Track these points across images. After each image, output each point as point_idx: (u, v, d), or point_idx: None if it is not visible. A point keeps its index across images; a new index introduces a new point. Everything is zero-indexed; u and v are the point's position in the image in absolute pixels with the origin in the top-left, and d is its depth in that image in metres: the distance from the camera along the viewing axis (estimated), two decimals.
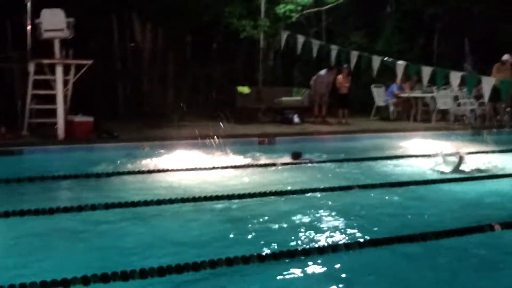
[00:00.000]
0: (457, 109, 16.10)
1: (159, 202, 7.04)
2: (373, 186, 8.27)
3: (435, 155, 10.20)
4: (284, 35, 15.96)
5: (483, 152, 11.79)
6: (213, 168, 9.54)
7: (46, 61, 11.68)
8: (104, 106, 15.08)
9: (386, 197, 7.81)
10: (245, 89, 15.84)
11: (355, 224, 6.43)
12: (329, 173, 9.45)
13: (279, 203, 7.34)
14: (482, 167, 10.00)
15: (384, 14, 20.28)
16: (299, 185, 8.28)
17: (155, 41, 16.49)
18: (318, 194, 7.82)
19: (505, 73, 14.56)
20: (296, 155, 10.20)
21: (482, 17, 19.58)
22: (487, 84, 12.24)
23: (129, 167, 9.47)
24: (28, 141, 11.11)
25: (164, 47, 16.61)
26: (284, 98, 15.93)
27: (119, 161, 9.83)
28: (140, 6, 15.57)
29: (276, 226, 6.37)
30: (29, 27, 12.16)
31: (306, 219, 6.62)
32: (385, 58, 14.58)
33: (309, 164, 10.05)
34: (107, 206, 6.83)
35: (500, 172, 9.55)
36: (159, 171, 9.26)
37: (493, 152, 11.85)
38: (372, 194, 7.93)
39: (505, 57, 15.38)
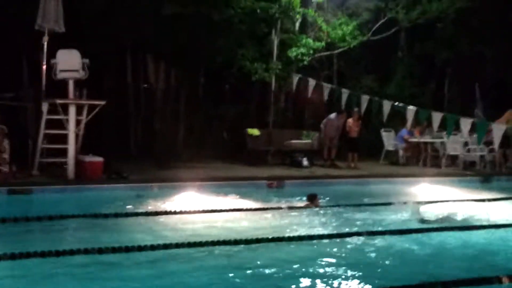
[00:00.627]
0: (467, 155, 16.05)
1: (166, 246, 7.07)
2: (382, 233, 8.25)
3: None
4: (296, 78, 16.09)
5: (492, 199, 11.75)
6: (221, 211, 9.58)
7: (59, 101, 11.82)
8: (116, 146, 15.20)
9: (395, 244, 7.77)
10: (255, 131, 15.92)
11: (360, 273, 6.41)
12: (336, 218, 9.42)
13: (286, 248, 7.34)
14: (491, 215, 9.97)
15: (395, 58, 20.41)
16: (307, 230, 8.29)
17: (168, 81, 16.70)
18: (326, 240, 7.81)
19: None
20: (312, 197, 10.16)
21: (493, 62, 19.66)
22: (498, 130, 12.21)
23: (137, 208, 9.52)
24: (38, 181, 11.20)
25: (177, 87, 16.80)
26: (293, 141, 15.98)
27: (127, 202, 9.91)
28: (155, 47, 15.79)
29: (283, 272, 6.37)
30: (44, 67, 12.35)
31: (312, 266, 6.61)
32: (396, 103, 14.64)
33: (316, 209, 10.02)
34: (114, 250, 6.86)
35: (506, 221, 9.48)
36: (166, 213, 9.31)
37: (503, 199, 11.81)
38: (380, 241, 7.89)
39: None
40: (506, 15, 18.82)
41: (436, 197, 11.57)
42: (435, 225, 8.89)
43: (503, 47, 18.98)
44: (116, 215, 8.95)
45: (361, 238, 7.96)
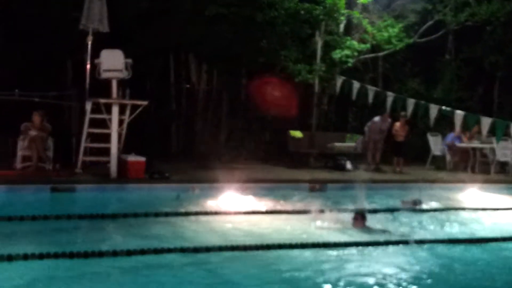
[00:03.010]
0: None
1: (208, 249, 6.94)
2: (432, 241, 7.95)
3: None
4: (340, 80, 15.85)
5: None
6: (263, 212, 9.45)
7: (103, 101, 11.88)
8: (158, 146, 15.22)
9: (442, 253, 7.48)
10: (297, 133, 15.71)
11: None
12: (381, 224, 9.12)
13: (327, 254, 7.11)
14: None
15: (442, 61, 19.95)
16: (351, 237, 8.06)
17: (210, 82, 16.65)
18: (369, 248, 7.55)
19: None
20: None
21: None
22: None
23: (178, 208, 9.43)
24: (81, 179, 11.23)
25: (219, 88, 16.74)
26: (337, 144, 15.71)
27: (168, 202, 9.85)
28: (197, 48, 15.77)
29: (331, 279, 6.16)
30: (88, 66, 12.42)
31: (356, 273, 6.38)
32: (443, 107, 14.27)
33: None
34: (156, 251, 6.76)
35: None
36: (206, 213, 9.20)
37: None
38: (427, 250, 7.60)
39: None
40: None
41: (484, 204, 11.18)
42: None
43: None
44: (156, 214, 8.87)
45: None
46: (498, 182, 14.19)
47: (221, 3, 14.77)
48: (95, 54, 12.29)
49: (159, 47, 15.44)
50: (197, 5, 15.01)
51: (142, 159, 11.85)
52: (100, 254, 6.52)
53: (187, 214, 9.05)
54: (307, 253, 7.11)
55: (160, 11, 14.83)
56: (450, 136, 16.20)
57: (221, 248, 6.99)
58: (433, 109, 14.13)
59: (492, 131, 13.53)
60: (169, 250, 6.78)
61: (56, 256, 6.34)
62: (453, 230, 8.99)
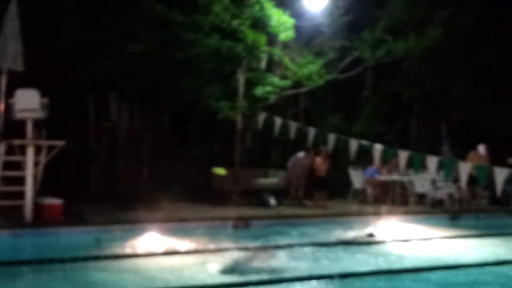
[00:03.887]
0: (435, 192, 16.00)
1: None
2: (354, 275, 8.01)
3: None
4: (262, 117, 15.99)
5: (460, 236, 11.69)
6: (185, 253, 9.30)
7: (17, 142, 11.43)
8: (76, 187, 14.78)
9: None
10: (221, 171, 15.65)
11: None
12: (307, 257, 9.15)
13: None
14: (458, 252, 9.88)
15: (362, 97, 20.52)
16: (274, 273, 8.02)
17: (131, 121, 16.39)
18: (294, 283, 7.53)
19: (480, 162, 14.54)
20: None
21: (459, 102, 19.88)
22: (464, 169, 12.22)
23: (97, 252, 9.14)
24: None
25: (141, 127, 16.50)
26: (260, 180, 15.76)
27: (87, 246, 9.54)
28: (118, 86, 15.53)
29: None
30: (2, 106, 11.97)
31: None
32: (363, 141, 14.60)
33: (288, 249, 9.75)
34: None
35: (477, 260, 9.35)
36: (126, 256, 8.95)
37: (470, 236, 11.74)
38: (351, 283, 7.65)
39: (481, 149, 15.53)
40: (472, 56, 19.13)
41: (402, 235, 11.46)
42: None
43: (469, 88, 19.22)
44: (74, 259, 8.55)
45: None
46: (417, 213, 14.56)
47: (144, 41, 14.67)
48: (10, 94, 11.88)
49: (79, 85, 15.10)
50: (119, 42, 14.83)
51: (59, 201, 11.46)
52: None
53: (106, 258, 8.77)
54: None
55: (80, 48, 14.56)
56: (370, 170, 16.58)
57: None
58: (353, 144, 14.43)
59: (410, 164, 13.90)
60: None
61: None
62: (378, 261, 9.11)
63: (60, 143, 11.80)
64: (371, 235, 11.16)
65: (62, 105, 13.92)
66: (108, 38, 15.06)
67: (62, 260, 8.49)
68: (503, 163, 13.88)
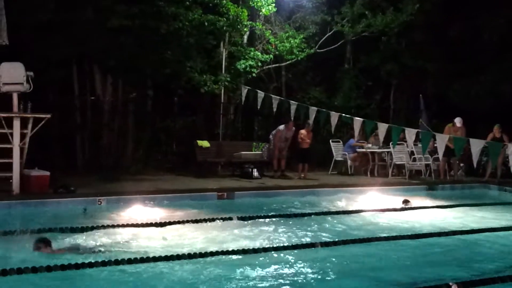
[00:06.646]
0: (413, 164, 16.43)
1: (118, 262, 6.95)
2: (335, 243, 8.35)
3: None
4: (245, 90, 16.18)
5: (436, 207, 12.09)
6: (169, 223, 9.51)
7: (3, 115, 11.53)
8: (62, 159, 14.95)
9: (349, 254, 7.88)
10: (205, 143, 15.92)
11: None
12: (288, 228, 9.46)
13: (236, 262, 7.32)
14: (435, 222, 10.27)
15: (342, 70, 20.80)
16: (258, 242, 8.32)
17: (115, 94, 16.49)
18: (278, 252, 7.82)
19: (456, 134, 14.94)
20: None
21: (435, 75, 20.25)
22: (441, 141, 12.54)
23: (84, 222, 9.35)
24: None
25: (125, 100, 16.62)
26: (243, 152, 16.04)
27: (74, 216, 9.74)
28: (101, 59, 15.59)
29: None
30: None
31: (262, 277, 6.64)
32: (343, 114, 14.88)
33: (267, 220, 10.07)
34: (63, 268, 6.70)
35: (452, 228, 9.75)
36: (113, 226, 9.15)
37: (445, 207, 12.16)
38: (333, 251, 7.98)
39: (458, 122, 15.88)
40: (446, 32, 19.46)
41: (382, 205, 11.84)
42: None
43: (443, 62, 19.59)
44: (62, 230, 8.75)
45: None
46: (396, 184, 14.96)
47: (125, 14, 14.72)
48: None
49: (62, 58, 15.12)
50: (101, 16, 14.86)
51: (46, 173, 11.63)
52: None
53: (93, 228, 8.98)
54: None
55: (62, 22, 14.56)
56: (351, 142, 16.93)
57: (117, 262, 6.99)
58: (334, 117, 14.66)
59: (389, 136, 14.22)
60: (77, 266, 6.76)
61: None
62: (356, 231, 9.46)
63: (46, 115, 11.90)
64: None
65: (46, 79, 14.03)
66: (90, 12, 15.09)
67: (51, 230, 8.68)
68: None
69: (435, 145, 13.27)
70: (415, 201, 12.33)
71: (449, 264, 7.55)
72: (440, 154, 12.63)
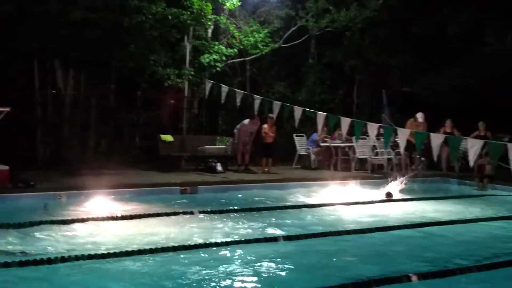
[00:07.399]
0: (375, 158, 16.62)
1: (78, 258, 6.87)
2: (298, 237, 8.41)
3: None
4: (209, 84, 16.11)
5: (398, 200, 12.27)
6: (130, 218, 9.45)
7: None
8: (23, 154, 14.67)
9: (311, 248, 7.94)
10: (168, 137, 15.84)
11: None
12: (251, 222, 9.48)
13: (198, 256, 7.31)
14: (397, 215, 10.42)
15: (306, 65, 20.89)
16: (220, 236, 8.33)
17: (77, 88, 16.27)
18: (241, 246, 7.84)
19: (418, 129, 15.14)
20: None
21: (397, 71, 20.50)
22: (402, 135, 12.71)
23: (43, 217, 9.21)
24: None
25: (87, 94, 16.41)
26: (207, 147, 16.00)
27: (34, 212, 9.60)
28: (63, 53, 15.35)
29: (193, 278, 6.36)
30: None
31: (226, 272, 6.66)
32: (307, 109, 14.95)
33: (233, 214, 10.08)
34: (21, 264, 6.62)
35: (412, 221, 9.91)
36: (72, 221, 9.04)
37: (407, 200, 12.35)
38: (296, 245, 8.03)
39: (419, 117, 16.08)
40: (408, 27, 19.71)
41: (345, 199, 11.96)
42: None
43: (407, 58, 19.83)
44: (20, 225, 8.61)
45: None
46: (358, 178, 15.10)
47: (88, 8, 14.52)
48: None
49: (24, 51, 14.84)
50: (62, 9, 14.63)
51: (5, 168, 11.44)
52: None
53: (52, 222, 8.86)
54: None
55: (25, 14, 14.30)
56: (314, 136, 17.04)
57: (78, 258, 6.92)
58: (298, 111, 14.73)
59: (352, 131, 14.36)
60: (36, 262, 6.67)
61: None
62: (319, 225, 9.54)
63: (4, 109, 11.69)
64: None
65: (6, 72, 13.78)
66: (52, 5, 14.85)
67: (9, 226, 8.55)
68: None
69: (397, 139, 13.42)
70: (377, 195, 12.50)
71: (409, 256, 7.66)
72: (402, 149, 12.78)
